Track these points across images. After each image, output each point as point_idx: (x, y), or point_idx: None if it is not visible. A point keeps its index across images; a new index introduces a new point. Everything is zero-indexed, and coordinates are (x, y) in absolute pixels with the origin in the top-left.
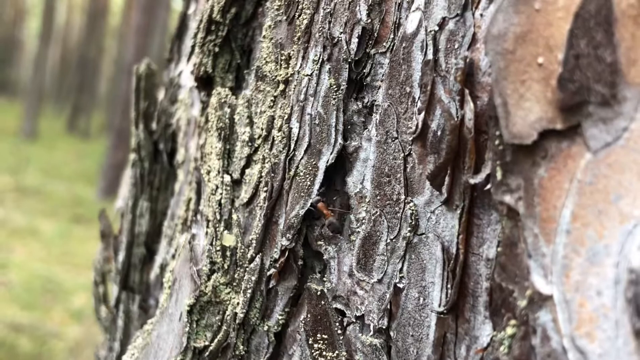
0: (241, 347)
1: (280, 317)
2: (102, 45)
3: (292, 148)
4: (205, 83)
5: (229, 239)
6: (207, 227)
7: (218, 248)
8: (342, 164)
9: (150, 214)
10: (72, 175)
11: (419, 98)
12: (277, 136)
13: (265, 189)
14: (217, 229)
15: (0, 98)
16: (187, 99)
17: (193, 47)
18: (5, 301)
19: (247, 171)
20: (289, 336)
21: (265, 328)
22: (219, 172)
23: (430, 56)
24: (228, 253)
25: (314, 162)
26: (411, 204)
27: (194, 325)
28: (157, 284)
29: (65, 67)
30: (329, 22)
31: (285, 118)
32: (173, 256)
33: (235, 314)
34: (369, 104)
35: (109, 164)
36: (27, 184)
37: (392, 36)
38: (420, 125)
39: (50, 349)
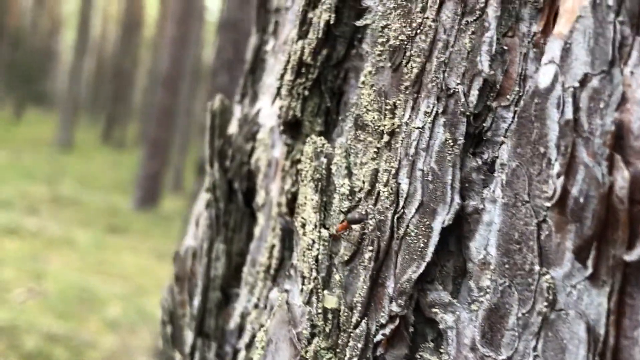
0: None
1: None
2: (136, 57)
3: (400, 205)
4: (292, 127)
5: (331, 301)
6: (303, 283)
7: (319, 310)
8: (457, 224)
9: (226, 257)
10: (107, 186)
11: (556, 160)
12: (383, 192)
13: (370, 247)
14: (318, 289)
15: (36, 109)
16: (267, 139)
17: (279, 89)
18: (41, 311)
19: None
20: None
21: None
22: (315, 226)
23: (569, 115)
24: (330, 316)
25: (427, 222)
26: (547, 276)
27: None
28: (235, 332)
29: (100, 78)
30: (444, 72)
31: (392, 173)
32: (256, 305)
33: None
34: (489, 160)
35: (143, 174)
36: (62, 194)
37: (517, 89)
38: (559, 190)
39: (86, 358)
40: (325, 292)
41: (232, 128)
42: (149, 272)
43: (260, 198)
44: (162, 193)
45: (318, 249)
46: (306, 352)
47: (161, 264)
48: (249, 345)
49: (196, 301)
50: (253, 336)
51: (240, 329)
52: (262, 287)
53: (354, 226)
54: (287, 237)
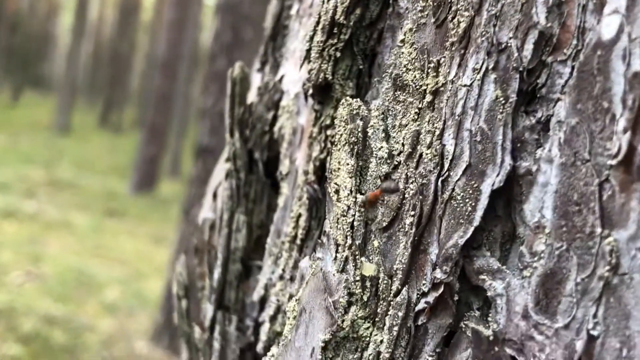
0: None
1: (429, 359)
2: (134, 41)
3: (445, 168)
4: (321, 91)
5: (369, 268)
6: (337, 251)
7: (357, 278)
8: (507, 187)
9: (246, 228)
10: (105, 169)
11: (621, 115)
12: (426, 154)
13: (411, 212)
14: (357, 256)
15: (33, 92)
16: (291, 106)
17: (308, 51)
18: (38, 293)
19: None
20: None
21: None
22: (351, 191)
23: (637, 67)
24: (368, 284)
25: (475, 185)
26: (610, 239)
27: None
28: (256, 305)
29: (97, 62)
30: (495, 26)
31: (436, 134)
32: (281, 277)
33: (379, 352)
34: (543, 119)
35: (141, 158)
36: (60, 177)
37: (575, 42)
38: (624, 148)
39: (84, 341)
40: (363, 259)
41: (251, 97)
42: (146, 256)
43: (284, 167)
44: (159, 177)
45: (353, 215)
46: (343, 321)
47: (159, 248)
48: (274, 317)
49: (216, 273)
50: (278, 308)
51: (263, 301)
52: (288, 258)
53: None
54: (315, 206)
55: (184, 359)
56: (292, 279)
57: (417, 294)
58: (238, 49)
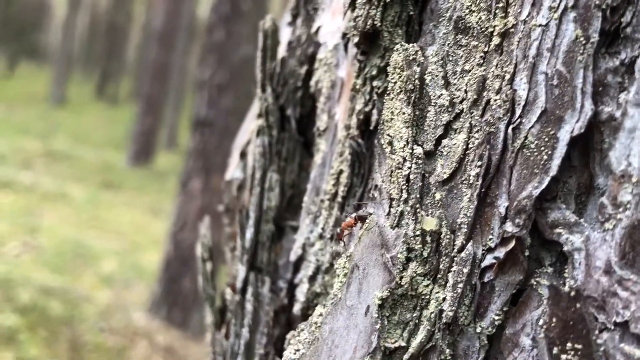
0: (447, 350)
1: (496, 318)
2: (130, 12)
3: (517, 114)
4: (367, 39)
5: (431, 223)
6: (391, 206)
7: (417, 233)
8: (587, 134)
9: (279, 187)
10: (101, 141)
11: None
12: (495, 100)
13: (478, 163)
14: (417, 210)
15: (29, 64)
16: (330, 58)
17: None
18: (36, 264)
19: (445, 142)
20: (506, 340)
21: (478, 329)
22: (407, 142)
23: None
24: (428, 239)
25: (551, 132)
26: None
27: (385, 322)
28: (289, 266)
29: (93, 34)
30: None
31: (506, 78)
32: (320, 236)
33: (441, 311)
34: (627, 61)
35: (137, 130)
36: (56, 149)
37: None
38: None
39: (81, 312)
40: (424, 213)
41: (281, 52)
42: (143, 228)
43: (322, 122)
44: (156, 150)
45: (410, 168)
46: (401, 277)
47: (155, 221)
48: (313, 278)
49: (248, 234)
50: (317, 268)
51: (299, 262)
52: (327, 216)
53: (453, 142)
54: (357, 161)
55: (208, 323)
56: (332, 237)
57: (483, 249)
58: (237, 20)
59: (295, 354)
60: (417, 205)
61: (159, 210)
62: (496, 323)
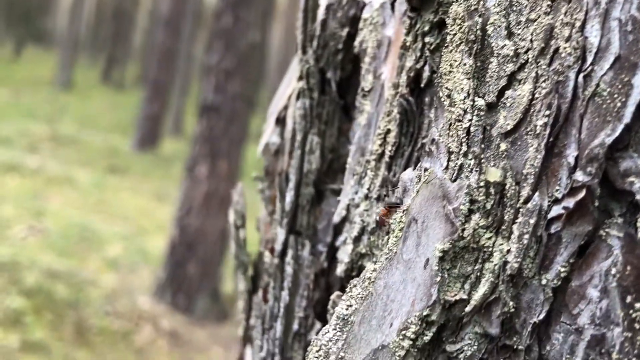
0: (510, 302)
1: (562, 270)
2: None
3: (588, 62)
4: None
5: (495, 174)
6: (449, 159)
7: (481, 184)
8: None
9: (320, 150)
10: (107, 126)
11: None
12: (564, 48)
13: (545, 112)
14: (481, 161)
15: (35, 47)
16: (376, 17)
17: None
18: (41, 248)
19: (508, 93)
20: (572, 292)
21: (543, 282)
22: (468, 94)
23: None
24: (492, 190)
25: (625, 79)
26: None
27: (445, 275)
28: (329, 230)
29: (100, 18)
30: None
31: (576, 26)
32: (366, 196)
33: (505, 263)
34: None
35: (143, 115)
36: (62, 133)
37: None
38: None
39: (87, 296)
40: (488, 164)
41: (320, 15)
42: (149, 212)
43: (366, 83)
44: (162, 135)
45: (470, 120)
46: (463, 229)
47: (161, 205)
48: (358, 239)
49: (288, 197)
50: (362, 229)
51: (341, 224)
52: (373, 177)
53: (517, 93)
54: (406, 120)
55: (241, 290)
56: (379, 198)
57: (549, 200)
58: (244, 6)
59: (347, 309)
60: (482, 156)
61: (165, 195)
62: (562, 275)
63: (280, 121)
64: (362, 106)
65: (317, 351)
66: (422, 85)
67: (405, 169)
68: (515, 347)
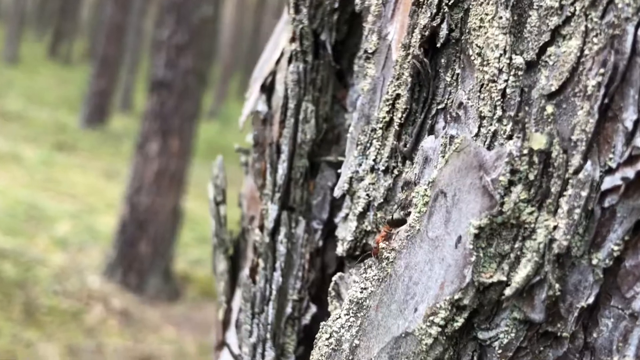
0: (556, 285)
1: (615, 248)
2: None
3: None
4: None
5: (540, 140)
6: (481, 125)
7: (525, 152)
8: None
9: (315, 119)
10: (54, 102)
11: None
12: None
13: (599, 70)
14: (525, 127)
15: None
16: None
17: None
18: None
19: (551, 50)
20: (626, 273)
21: (594, 261)
22: (504, 51)
23: None
24: (536, 159)
25: None
26: None
27: (481, 254)
28: (324, 206)
29: None
30: None
31: None
32: (372, 169)
33: (552, 240)
34: None
35: (92, 91)
36: (8, 109)
37: None
38: None
39: (35, 275)
40: (533, 129)
41: None
42: (98, 190)
43: (370, 44)
44: (110, 111)
45: (506, 80)
46: (503, 203)
47: (110, 183)
48: (363, 215)
49: (280, 169)
50: (368, 204)
51: (333, 202)
52: (380, 147)
53: (562, 49)
54: (418, 84)
55: (221, 271)
56: (387, 170)
57: (601, 170)
58: None
59: (362, 292)
60: (525, 121)
61: (114, 173)
62: (614, 254)
63: (267, 88)
64: (365, 70)
65: (328, 339)
66: (438, 45)
67: (417, 137)
68: (558, 334)
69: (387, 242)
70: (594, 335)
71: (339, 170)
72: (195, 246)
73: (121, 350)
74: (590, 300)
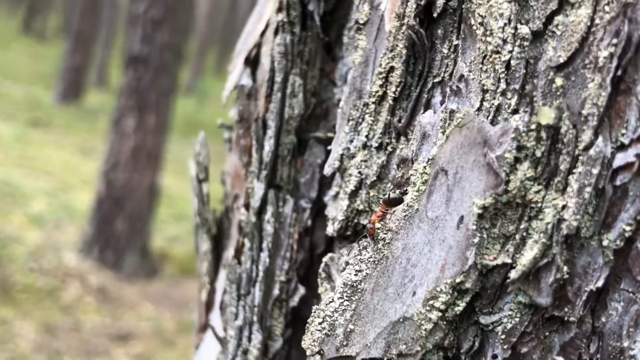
0: (564, 268)
1: (627, 229)
2: None
3: None
4: None
5: (548, 115)
6: (483, 99)
7: (532, 127)
8: None
9: (303, 94)
10: (28, 78)
11: None
12: None
13: (612, 41)
14: (533, 100)
15: None
16: None
17: None
18: None
19: (558, 19)
20: (638, 255)
21: (604, 242)
22: (509, 21)
23: None
24: (544, 134)
25: None
26: None
27: (484, 235)
28: (313, 184)
29: None
30: None
31: None
32: (364, 145)
33: (560, 220)
34: None
35: (66, 67)
36: None
37: None
38: None
39: (11, 252)
40: (541, 103)
41: None
42: (73, 167)
43: (361, 15)
44: (85, 87)
45: (511, 52)
46: (508, 181)
47: (86, 160)
48: (355, 194)
49: (267, 146)
50: (360, 182)
51: (321, 180)
52: (373, 122)
53: (571, 19)
54: (413, 57)
55: (204, 250)
56: (380, 146)
57: (612, 147)
58: None
59: (356, 275)
60: (533, 93)
61: (90, 150)
62: (626, 235)
63: (251, 61)
64: (356, 42)
65: (320, 323)
66: (434, 15)
67: (413, 112)
68: (565, 318)
69: (382, 223)
70: (603, 319)
71: (328, 147)
72: (173, 223)
73: (98, 327)
74: (600, 283)
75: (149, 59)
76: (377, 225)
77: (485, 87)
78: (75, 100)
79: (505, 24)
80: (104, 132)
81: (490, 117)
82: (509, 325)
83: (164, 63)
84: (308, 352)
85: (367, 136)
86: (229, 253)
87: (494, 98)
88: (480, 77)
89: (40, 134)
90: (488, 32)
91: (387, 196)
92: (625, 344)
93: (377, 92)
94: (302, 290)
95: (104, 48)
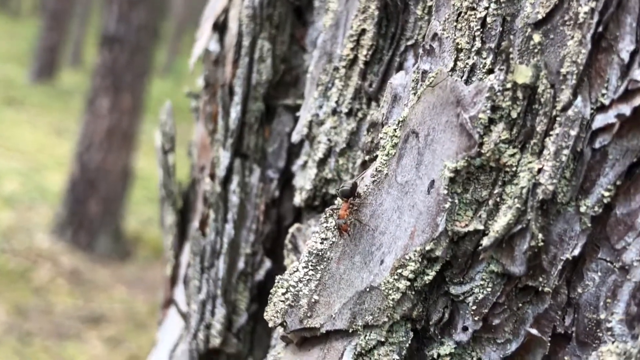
0: (539, 235)
1: (605, 194)
2: None
3: None
4: None
5: (525, 73)
6: (457, 58)
7: (508, 86)
8: None
9: (272, 59)
10: (2, 56)
11: None
12: None
13: None
14: (509, 57)
15: None
16: None
17: None
18: None
19: None
20: (616, 222)
21: (582, 209)
22: None
23: None
24: (520, 94)
25: None
26: None
27: (456, 200)
28: (281, 153)
29: None
30: None
31: None
32: (334, 111)
33: (536, 185)
34: None
35: (41, 46)
36: None
37: None
38: None
39: None
40: (517, 61)
41: None
42: (47, 147)
43: None
44: (60, 66)
45: (487, 8)
46: (482, 144)
47: (60, 140)
48: (323, 162)
49: (233, 113)
50: (329, 150)
51: (290, 149)
52: (343, 87)
53: None
54: (386, 18)
55: (169, 224)
56: (350, 112)
57: (592, 107)
58: None
59: (322, 243)
60: (510, 51)
61: (64, 130)
62: (604, 201)
63: (219, 27)
64: (327, 4)
65: (284, 294)
66: None
67: (384, 76)
68: (539, 288)
69: (350, 217)
70: (579, 290)
71: (297, 114)
72: (147, 205)
73: (71, 309)
74: (576, 251)
75: (125, 38)
76: (349, 219)
77: (459, 46)
78: (50, 79)
79: None
80: (79, 112)
81: (464, 78)
82: (481, 296)
83: (140, 43)
84: (270, 324)
85: (336, 102)
86: (194, 225)
87: (469, 57)
88: (455, 35)
89: (13, 113)
90: None
91: (340, 189)
92: (602, 316)
93: (347, 55)
94: (268, 264)
95: (80, 27)
